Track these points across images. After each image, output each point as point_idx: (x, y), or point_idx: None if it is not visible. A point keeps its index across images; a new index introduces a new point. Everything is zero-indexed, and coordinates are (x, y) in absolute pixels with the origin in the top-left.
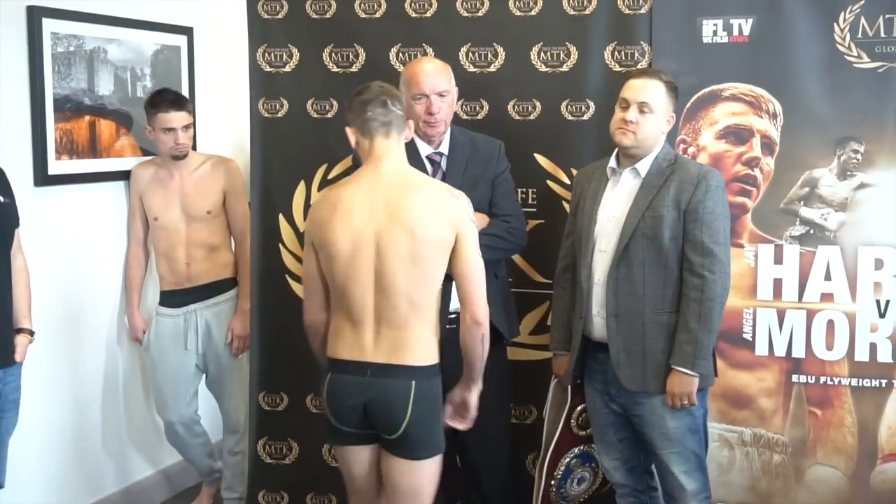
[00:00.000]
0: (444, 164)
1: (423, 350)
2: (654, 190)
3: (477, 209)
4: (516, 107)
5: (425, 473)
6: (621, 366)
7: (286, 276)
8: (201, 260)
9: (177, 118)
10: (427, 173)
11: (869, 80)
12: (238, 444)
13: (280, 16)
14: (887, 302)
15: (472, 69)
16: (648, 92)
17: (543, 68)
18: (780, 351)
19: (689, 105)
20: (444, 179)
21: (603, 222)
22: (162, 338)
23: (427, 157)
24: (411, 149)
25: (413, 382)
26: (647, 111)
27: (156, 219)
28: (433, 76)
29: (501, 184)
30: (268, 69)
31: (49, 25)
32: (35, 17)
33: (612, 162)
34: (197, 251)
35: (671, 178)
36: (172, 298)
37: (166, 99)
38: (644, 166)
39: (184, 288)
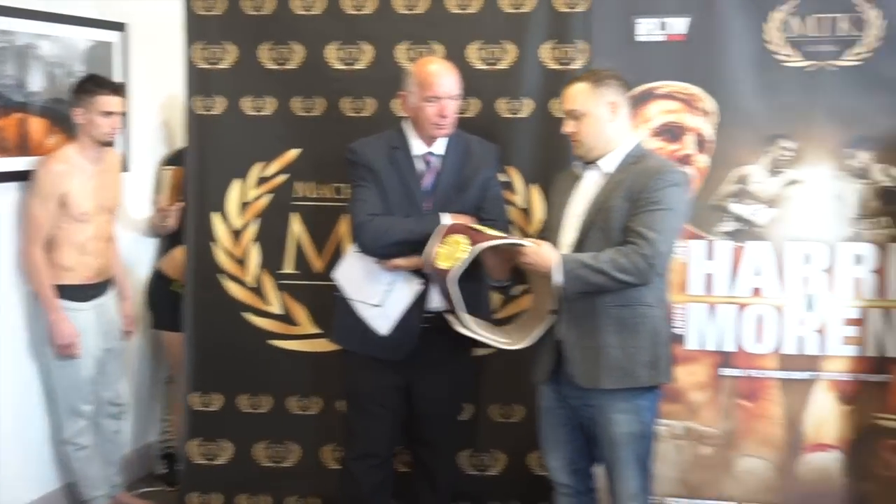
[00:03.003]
0: (436, 164)
1: None
2: (614, 185)
3: (464, 212)
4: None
5: None
6: (574, 362)
7: (218, 275)
8: (104, 253)
9: (118, 103)
10: (418, 172)
11: (799, 78)
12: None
13: (216, 12)
14: (815, 296)
15: (410, 66)
16: (571, 98)
17: (481, 66)
18: (710, 345)
19: None
20: (436, 180)
21: (569, 219)
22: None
23: (420, 157)
24: (406, 148)
25: None
26: (579, 116)
27: (83, 213)
28: (447, 79)
29: (491, 188)
30: (203, 66)
31: None
32: None
33: (578, 160)
34: (104, 244)
35: (632, 172)
36: (84, 292)
37: (110, 82)
38: (609, 163)
39: (94, 282)
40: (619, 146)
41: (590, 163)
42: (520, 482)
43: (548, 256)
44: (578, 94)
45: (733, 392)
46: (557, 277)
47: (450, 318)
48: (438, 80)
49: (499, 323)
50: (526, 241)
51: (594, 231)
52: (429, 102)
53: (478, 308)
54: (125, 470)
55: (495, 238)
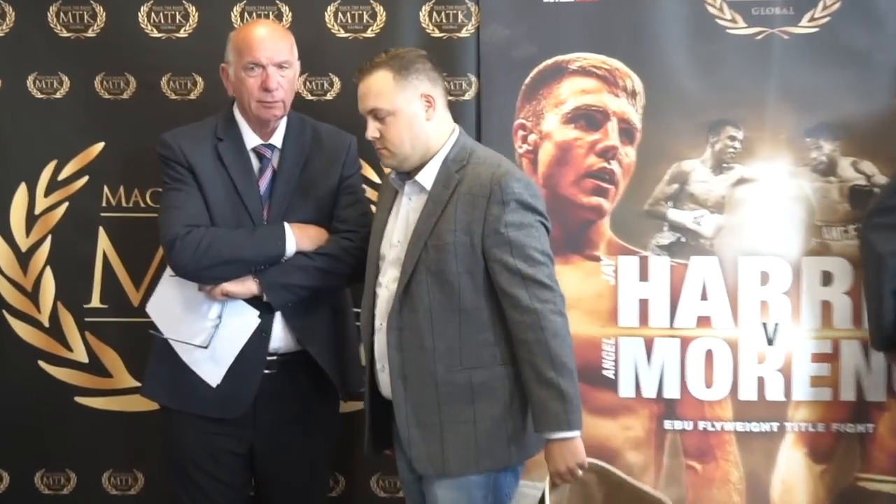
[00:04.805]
0: (275, 160)
1: None
2: (440, 208)
3: (313, 221)
4: (308, 84)
5: None
6: (413, 443)
7: (3, 311)
8: None
9: None
10: (253, 170)
11: (745, 49)
12: None
13: None
14: (776, 325)
15: None
16: (371, 94)
17: (342, 33)
18: (649, 391)
19: (528, 81)
20: (273, 180)
21: (386, 249)
22: None
23: (253, 150)
24: (235, 139)
25: None
26: (384, 115)
27: None
28: (271, 42)
29: (348, 191)
30: None
31: None
32: None
33: (394, 172)
34: None
35: (459, 190)
36: None
37: None
38: (428, 176)
39: None
40: (439, 150)
41: (405, 174)
42: None
43: (577, 448)
44: (381, 89)
45: (680, 450)
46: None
47: None
48: (259, 44)
49: None
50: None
51: (423, 274)
52: (248, 72)
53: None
54: None
55: None
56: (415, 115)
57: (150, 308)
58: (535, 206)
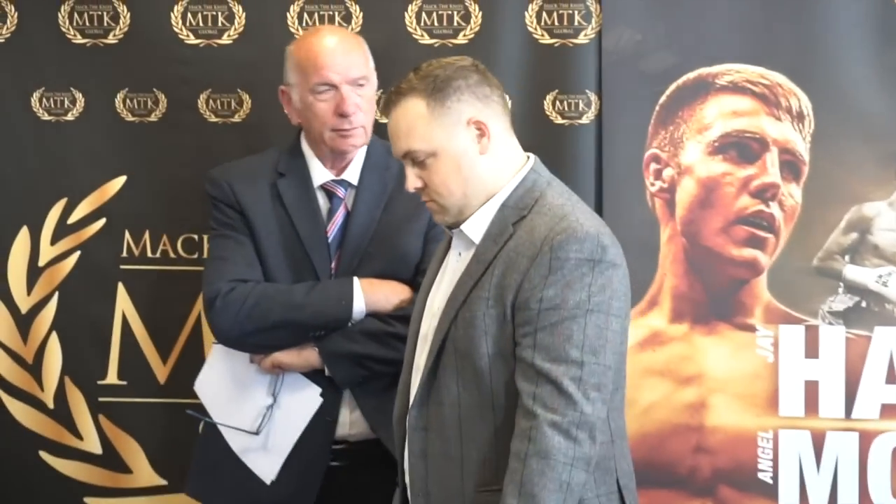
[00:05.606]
0: (349, 199)
1: None
2: (482, 270)
3: (392, 275)
4: (382, 101)
5: None
6: None
7: None
8: None
9: None
10: (319, 211)
11: None
12: None
13: None
14: None
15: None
16: (401, 132)
17: (427, 39)
18: (818, 499)
19: (663, 100)
20: (346, 224)
21: (427, 319)
22: None
23: (322, 188)
24: (299, 173)
25: None
26: (423, 158)
27: None
28: (343, 55)
29: (438, 238)
30: None
31: None
32: None
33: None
34: None
35: (507, 247)
36: None
37: None
38: (477, 227)
39: None
40: (500, 190)
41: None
42: None
43: None
44: (411, 124)
45: None
46: None
47: None
48: (326, 58)
49: None
50: None
51: (449, 354)
52: (318, 95)
53: None
54: None
55: None
56: (463, 152)
57: (199, 385)
58: (601, 280)
